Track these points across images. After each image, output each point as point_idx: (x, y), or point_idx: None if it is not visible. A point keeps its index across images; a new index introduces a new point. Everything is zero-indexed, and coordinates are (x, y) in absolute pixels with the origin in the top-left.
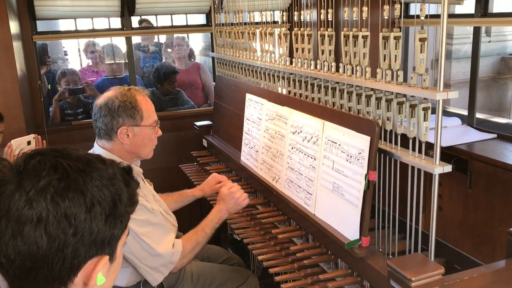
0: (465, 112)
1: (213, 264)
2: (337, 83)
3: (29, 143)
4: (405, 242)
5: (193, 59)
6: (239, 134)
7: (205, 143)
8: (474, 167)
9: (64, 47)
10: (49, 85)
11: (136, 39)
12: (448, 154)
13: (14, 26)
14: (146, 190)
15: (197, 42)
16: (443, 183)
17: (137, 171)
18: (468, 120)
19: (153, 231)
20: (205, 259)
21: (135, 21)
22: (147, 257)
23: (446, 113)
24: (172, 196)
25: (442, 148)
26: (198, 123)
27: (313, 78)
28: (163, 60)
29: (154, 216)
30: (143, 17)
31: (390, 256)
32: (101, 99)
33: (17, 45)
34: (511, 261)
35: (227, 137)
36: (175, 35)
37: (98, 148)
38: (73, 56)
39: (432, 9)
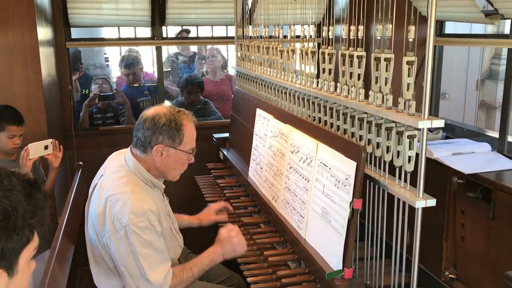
0: None
1: (209, 284)
2: (334, 103)
3: (46, 147)
4: (400, 275)
5: (226, 71)
6: (249, 149)
7: (221, 155)
8: (498, 197)
9: (105, 54)
10: (86, 90)
11: (174, 49)
12: (474, 182)
13: (45, 33)
14: (162, 209)
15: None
16: (466, 212)
17: (160, 186)
18: (499, 147)
19: (153, 255)
20: (204, 277)
21: (166, 31)
22: (139, 277)
23: (479, 137)
24: None
25: (467, 176)
26: (216, 135)
27: (314, 97)
28: (196, 71)
29: (160, 241)
30: (184, 27)
31: None
32: (151, 111)
33: (46, 51)
34: None
35: (240, 151)
36: (208, 46)
37: (129, 155)
38: (115, 62)
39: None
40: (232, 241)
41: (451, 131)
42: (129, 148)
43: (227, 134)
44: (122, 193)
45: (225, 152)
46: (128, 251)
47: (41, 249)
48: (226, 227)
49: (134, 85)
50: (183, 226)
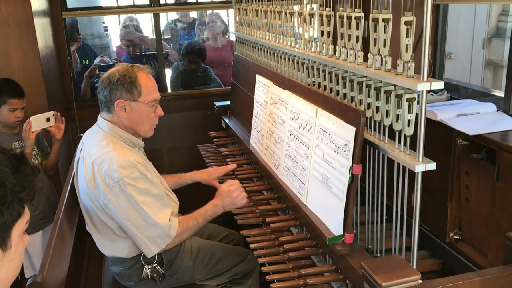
0: None
1: (213, 242)
2: (333, 67)
3: (48, 119)
4: (402, 239)
5: (227, 36)
6: (250, 116)
7: (223, 124)
8: (503, 158)
9: (104, 23)
10: (87, 61)
11: (174, 16)
12: (478, 143)
13: (39, 3)
14: (149, 165)
15: None
16: (471, 173)
17: (139, 143)
18: (504, 107)
19: (153, 201)
20: (206, 237)
21: None
22: (145, 226)
23: (484, 98)
24: (170, 178)
25: (472, 137)
26: (218, 103)
27: (313, 61)
28: (196, 37)
29: (155, 187)
30: None
31: (378, 255)
32: (106, 73)
33: (42, 22)
34: (507, 268)
35: (241, 119)
36: (208, 12)
37: (101, 120)
38: (115, 31)
39: None
40: (231, 195)
41: (456, 92)
42: (99, 115)
43: (228, 102)
44: (106, 153)
45: (227, 120)
46: (128, 203)
47: (49, 220)
48: (226, 182)
49: (136, 54)
50: (186, 184)
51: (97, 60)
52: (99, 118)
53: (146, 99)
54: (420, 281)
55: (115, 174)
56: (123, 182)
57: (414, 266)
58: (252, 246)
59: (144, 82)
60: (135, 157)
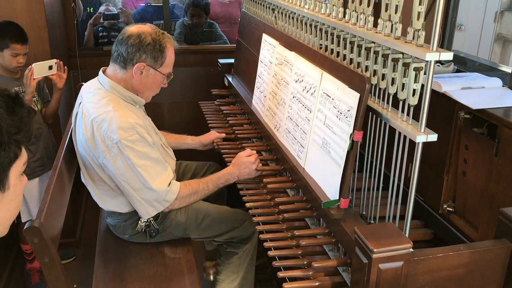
0: None
1: (210, 204)
2: (342, 30)
3: (50, 67)
4: (397, 207)
5: None
6: (254, 76)
7: (226, 82)
8: (504, 134)
9: None
10: (91, 8)
11: None
12: (480, 118)
13: None
14: (148, 123)
15: None
16: (470, 147)
17: (140, 101)
18: (510, 83)
19: (151, 165)
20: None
21: None
22: (142, 189)
23: (491, 72)
24: (173, 136)
25: (474, 111)
26: (222, 61)
27: (322, 23)
28: None
29: (154, 151)
30: None
31: (372, 221)
32: (135, 28)
33: None
34: (498, 242)
35: (245, 78)
36: None
37: (102, 76)
38: None
39: None
40: (250, 166)
41: (463, 64)
42: (100, 70)
43: (233, 60)
44: (106, 113)
45: (230, 79)
46: (126, 165)
47: (46, 168)
48: (245, 151)
49: (157, 4)
50: (185, 147)
51: (101, 8)
52: (100, 73)
53: (164, 71)
54: (412, 250)
55: (114, 136)
56: (122, 144)
57: (407, 235)
58: (248, 205)
59: (170, 54)
60: (135, 118)
